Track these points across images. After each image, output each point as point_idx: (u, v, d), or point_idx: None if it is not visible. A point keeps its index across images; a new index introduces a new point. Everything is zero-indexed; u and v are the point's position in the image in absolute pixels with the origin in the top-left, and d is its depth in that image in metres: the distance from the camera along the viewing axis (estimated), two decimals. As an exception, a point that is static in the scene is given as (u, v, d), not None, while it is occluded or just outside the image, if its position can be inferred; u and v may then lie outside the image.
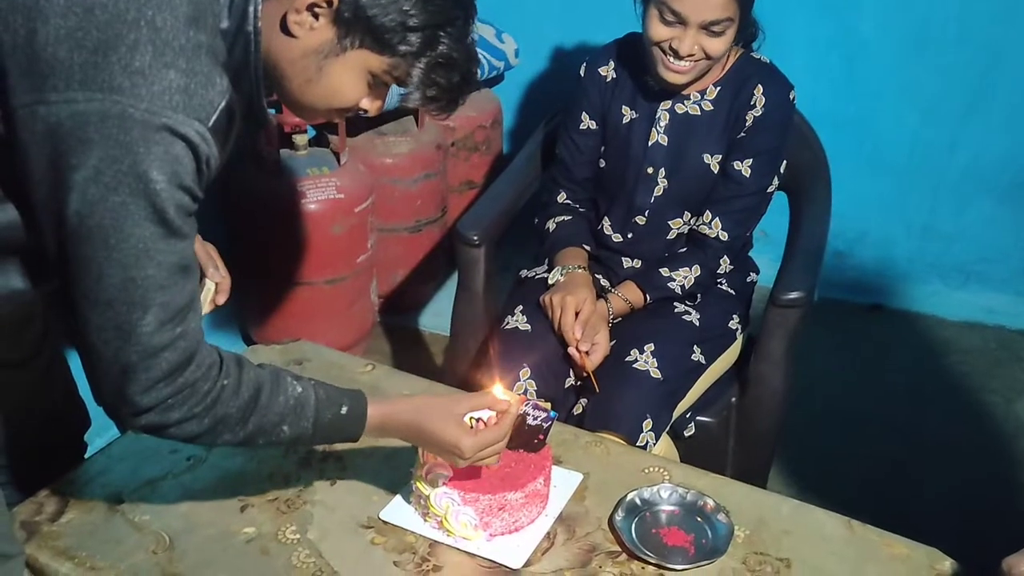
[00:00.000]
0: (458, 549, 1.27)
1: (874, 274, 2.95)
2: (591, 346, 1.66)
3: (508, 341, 1.72)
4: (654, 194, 1.80)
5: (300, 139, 2.42)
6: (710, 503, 1.35)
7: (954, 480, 2.25)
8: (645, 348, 1.67)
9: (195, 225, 1.06)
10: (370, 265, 2.52)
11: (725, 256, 1.79)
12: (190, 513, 1.33)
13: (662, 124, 1.78)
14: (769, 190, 1.78)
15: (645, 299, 1.76)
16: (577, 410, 1.69)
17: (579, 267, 1.78)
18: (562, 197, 1.90)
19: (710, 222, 1.77)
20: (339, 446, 1.44)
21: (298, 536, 1.29)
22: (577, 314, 1.68)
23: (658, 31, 1.64)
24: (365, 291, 2.54)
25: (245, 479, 1.40)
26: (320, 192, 2.34)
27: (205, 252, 1.44)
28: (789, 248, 1.84)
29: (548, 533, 1.31)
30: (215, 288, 1.43)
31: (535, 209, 1.98)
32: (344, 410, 1.19)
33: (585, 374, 1.67)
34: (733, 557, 1.28)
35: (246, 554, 1.26)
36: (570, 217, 1.88)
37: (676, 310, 1.77)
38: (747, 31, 1.71)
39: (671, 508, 1.36)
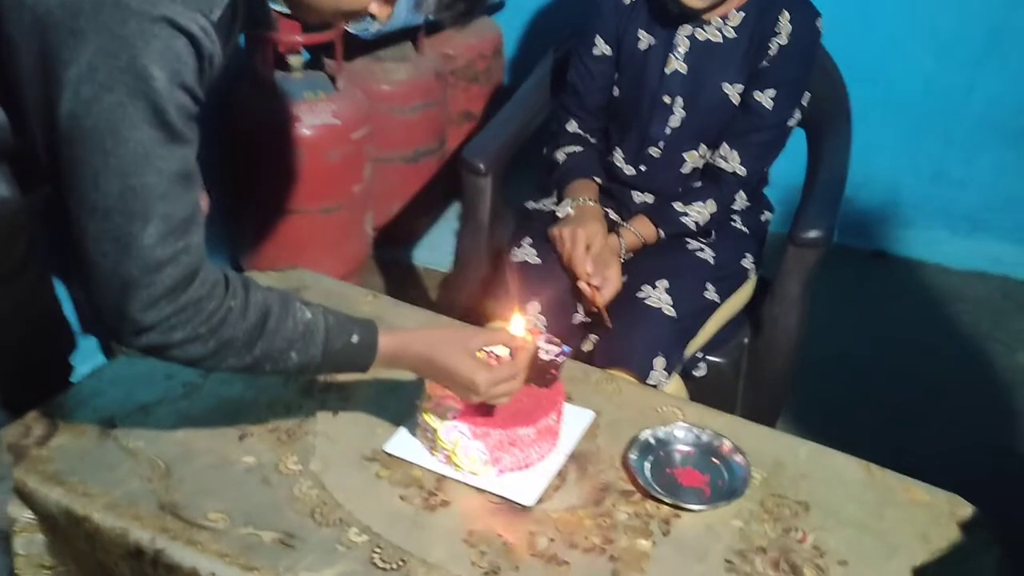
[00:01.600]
0: (466, 485, 1.22)
1: (879, 220, 2.89)
2: (602, 281, 1.60)
3: (517, 274, 1.66)
4: (669, 125, 1.72)
5: (295, 60, 2.32)
6: (727, 444, 1.30)
7: (957, 430, 2.22)
8: (658, 284, 1.62)
9: (197, 131, 0.99)
10: (365, 195, 2.44)
11: (741, 191, 1.72)
12: (187, 440, 1.27)
13: (680, 51, 1.70)
14: (790, 123, 1.71)
15: (658, 234, 1.70)
16: (587, 347, 1.64)
17: (590, 200, 1.71)
18: (573, 126, 1.82)
19: (727, 156, 1.70)
20: (341, 376, 1.38)
21: (300, 467, 1.24)
22: (588, 248, 1.62)
23: None
24: (359, 222, 2.47)
25: (244, 407, 1.34)
26: (316, 117, 2.24)
27: None
28: (808, 186, 1.78)
29: (560, 470, 1.26)
30: None
31: (543, 139, 1.90)
32: (355, 339, 1.13)
33: (595, 310, 1.62)
34: (750, 499, 1.24)
35: (246, 484, 1.21)
36: (581, 148, 1.80)
37: (689, 246, 1.71)
38: None
39: (686, 448, 1.31)
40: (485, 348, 1.25)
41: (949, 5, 2.60)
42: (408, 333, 1.21)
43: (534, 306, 1.61)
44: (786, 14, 1.65)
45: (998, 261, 2.80)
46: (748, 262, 1.77)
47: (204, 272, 1.00)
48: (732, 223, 1.79)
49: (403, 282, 2.68)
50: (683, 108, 1.71)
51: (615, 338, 1.59)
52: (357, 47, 2.51)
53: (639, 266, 1.66)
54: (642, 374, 1.55)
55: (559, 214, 1.71)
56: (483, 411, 1.23)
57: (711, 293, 1.68)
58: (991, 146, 2.71)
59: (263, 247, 2.42)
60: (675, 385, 1.63)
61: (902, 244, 2.88)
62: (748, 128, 1.69)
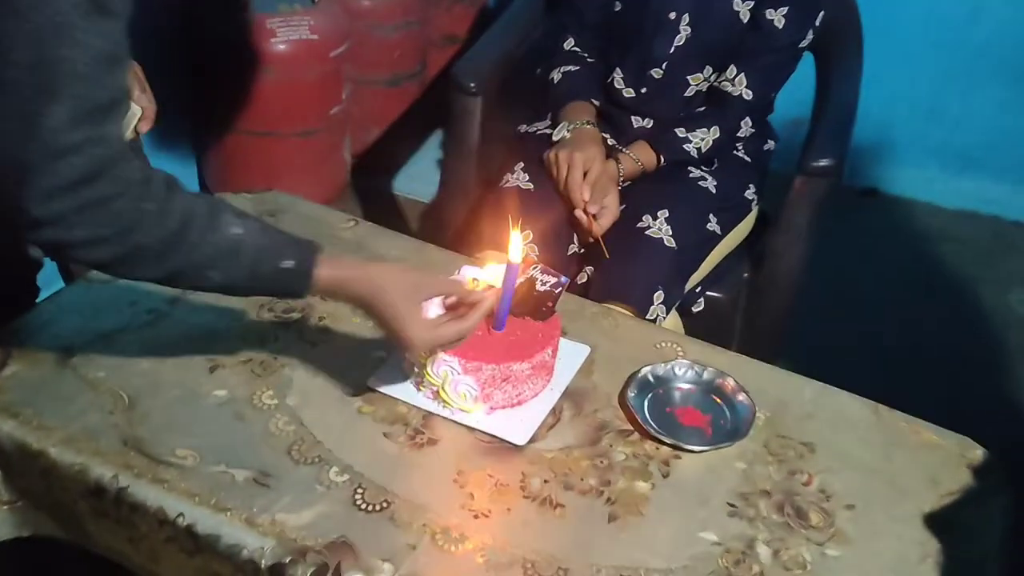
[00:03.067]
0: (455, 422, 1.14)
1: (871, 157, 2.81)
2: (600, 209, 1.51)
3: (508, 201, 1.56)
4: (674, 44, 1.62)
5: (270, -30, 2.17)
6: (730, 382, 1.23)
7: (950, 370, 2.18)
8: (659, 214, 1.53)
9: (128, 5, 0.87)
10: (344, 119, 2.31)
11: (747, 118, 1.63)
12: (152, 371, 1.18)
13: None
14: (802, 45, 1.61)
15: (659, 161, 1.61)
16: (581, 279, 1.56)
17: (587, 122, 1.61)
18: (569, 44, 1.70)
19: (734, 78, 1.60)
20: (320, 306, 1.29)
21: (276, 402, 1.15)
22: (585, 174, 1.53)
23: None
24: (338, 147, 2.35)
25: (214, 337, 1.24)
26: (291, 31, 2.11)
27: (131, 72, 1.24)
28: (817, 113, 1.70)
29: (554, 408, 1.18)
30: (140, 114, 1.23)
31: (536, 60, 1.78)
32: (288, 264, 1.01)
33: (592, 239, 1.53)
34: (754, 440, 1.17)
35: (217, 419, 1.12)
36: (578, 67, 1.69)
37: (691, 175, 1.63)
38: None
39: (687, 386, 1.24)
40: (476, 276, 1.17)
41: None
42: (353, 267, 1.08)
43: (527, 235, 1.52)
44: None
45: (988, 201, 2.75)
46: (751, 193, 1.69)
47: (118, 168, 0.88)
48: (735, 151, 1.70)
49: (383, 211, 2.56)
50: (689, 26, 1.61)
51: (612, 270, 1.51)
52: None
53: (639, 194, 1.57)
54: (641, 308, 1.48)
55: (555, 137, 1.61)
56: (473, 340, 1.15)
57: (713, 224, 1.60)
58: (990, 81, 2.63)
59: (234, 173, 2.29)
60: (672, 321, 1.55)
61: (893, 182, 2.81)
62: (757, 49, 1.59)
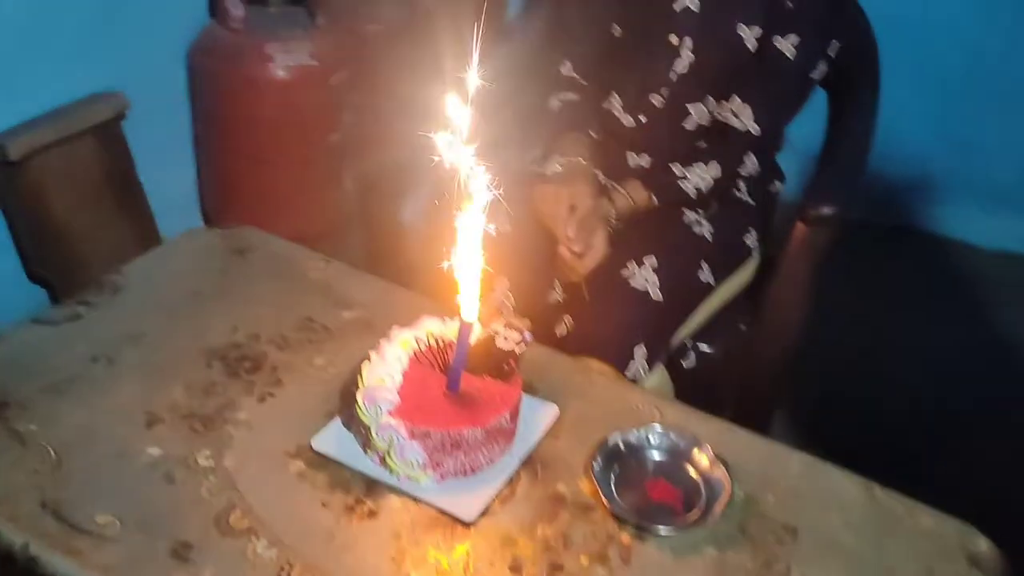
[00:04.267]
0: (400, 492, 1.06)
1: (902, 191, 2.69)
2: (585, 248, 1.40)
3: (486, 244, 1.47)
4: (675, 69, 1.51)
5: (271, -7, 2.13)
6: (708, 454, 1.13)
7: (976, 435, 2.03)
8: (645, 261, 1.43)
9: None
10: (344, 145, 2.25)
11: (752, 154, 1.51)
12: (87, 425, 1.11)
13: None
14: (814, 76, 1.50)
15: (651, 200, 1.50)
16: (560, 330, 1.45)
17: (580, 157, 1.51)
18: (567, 69, 1.61)
19: (738, 110, 1.49)
20: (274, 354, 1.22)
21: (212, 463, 1.08)
22: (572, 209, 1.42)
23: None
24: (336, 174, 2.28)
25: (159, 386, 1.17)
26: (290, 57, 2.05)
27: None
28: (825, 154, 1.57)
29: (511, 477, 1.09)
30: None
31: (532, 83, 1.68)
32: None
33: (575, 279, 1.43)
34: (729, 520, 1.07)
35: (146, 480, 1.05)
36: (576, 96, 1.60)
37: (685, 219, 1.52)
38: None
39: (660, 456, 1.14)
40: (418, 337, 1.10)
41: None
42: None
43: (503, 282, 1.44)
44: None
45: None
46: (751, 239, 1.58)
47: None
48: (736, 192, 1.59)
49: (387, 238, 2.50)
50: (691, 51, 1.50)
51: (592, 322, 1.40)
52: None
53: (625, 239, 1.46)
54: (620, 364, 1.37)
55: (546, 171, 1.52)
56: (422, 403, 1.07)
57: (705, 274, 1.49)
58: (1029, 117, 2.49)
59: (233, 199, 2.25)
60: (658, 378, 1.44)
61: (925, 219, 2.68)
62: (764, 79, 1.48)
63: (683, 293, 1.46)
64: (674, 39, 1.51)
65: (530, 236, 1.48)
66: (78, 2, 1.90)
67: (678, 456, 1.14)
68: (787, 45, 1.46)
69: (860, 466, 1.16)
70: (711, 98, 1.53)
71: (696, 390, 1.45)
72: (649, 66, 1.54)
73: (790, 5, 1.45)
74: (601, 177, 1.56)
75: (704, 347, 1.55)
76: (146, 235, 2.06)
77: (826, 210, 1.46)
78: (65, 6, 1.88)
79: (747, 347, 1.56)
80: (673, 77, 1.53)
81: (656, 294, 1.41)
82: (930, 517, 1.11)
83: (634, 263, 1.43)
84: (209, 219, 2.35)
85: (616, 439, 1.14)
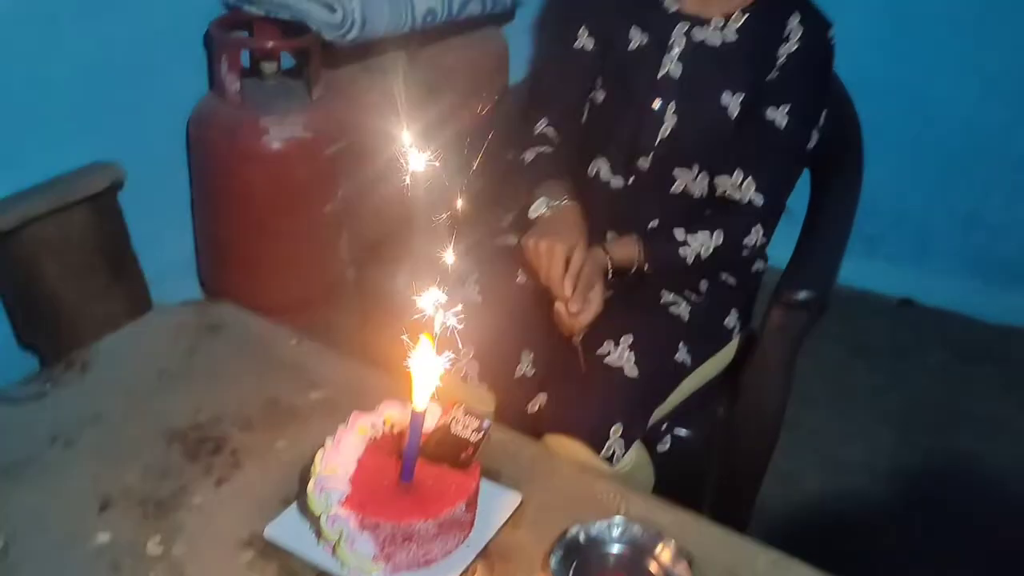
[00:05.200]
0: (350, 585, 1.03)
1: (907, 264, 2.65)
2: (583, 304, 1.36)
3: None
4: (659, 135, 1.51)
5: (268, 66, 2.16)
6: (670, 547, 1.09)
7: (979, 520, 1.97)
8: (621, 340, 1.40)
9: None
10: (339, 216, 2.26)
11: (759, 225, 1.47)
12: (39, 509, 1.10)
13: (676, 51, 1.50)
14: (809, 145, 1.48)
15: (641, 265, 1.46)
16: (533, 407, 1.42)
17: (567, 198, 1.46)
18: (541, 126, 1.60)
19: (740, 183, 1.46)
20: (236, 436, 1.21)
21: (161, 550, 1.06)
22: (567, 263, 1.38)
23: None
24: (332, 243, 2.29)
25: (116, 470, 1.16)
26: (284, 130, 2.07)
27: None
28: (805, 235, 1.55)
29: (466, 570, 1.06)
30: None
31: (510, 146, 1.66)
32: None
33: (570, 336, 1.39)
34: (690, 620, 1.03)
35: (91, 570, 1.03)
36: (552, 148, 1.58)
37: (662, 300, 1.50)
38: None
39: (621, 549, 1.11)
40: (387, 415, 1.08)
41: (997, 41, 2.37)
42: None
43: (466, 352, 1.42)
44: (796, 16, 1.46)
45: (1037, 317, 2.55)
46: (732, 320, 1.56)
47: None
48: (719, 274, 1.57)
49: (383, 308, 2.50)
50: (675, 115, 1.50)
51: (567, 400, 1.38)
52: (346, 54, 2.34)
53: (601, 318, 1.41)
54: (595, 444, 1.34)
55: (532, 215, 1.47)
56: (374, 493, 1.04)
57: (682, 354, 1.46)
58: (1033, 193, 2.46)
59: (230, 266, 2.25)
60: (635, 457, 1.41)
61: (931, 292, 2.63)
62: (763, 150, 1.46)
63: (660, 372, 1.43)
64: (657, 104, 1.51)
65: (500, 305, 1.47)
66: (76, 72, 1.93)
67: (640, 550, 1.10)
68: (780, 114, 1.45)
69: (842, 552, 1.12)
70: (696, 165, 1.51)
71: (673, 476, 1.42)
72: (633, 131, 1.53)
73: (777, 75, 1.45)
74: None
75: (680, 431, 1.51)
76: (138, 305, 2.06)
77: (803, 295, 1.42)
78: (63, 76, 1.91)
79: (725, 431, 1.52)
80: (657, 142, 1.52)
81: (632, 371, 1.38)
82: (902, 620, 1.06)
83: (611, 341, 1.40)
84: (206, 286, 2.36)
85: (577, 531, 1.11)
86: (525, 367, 1.48)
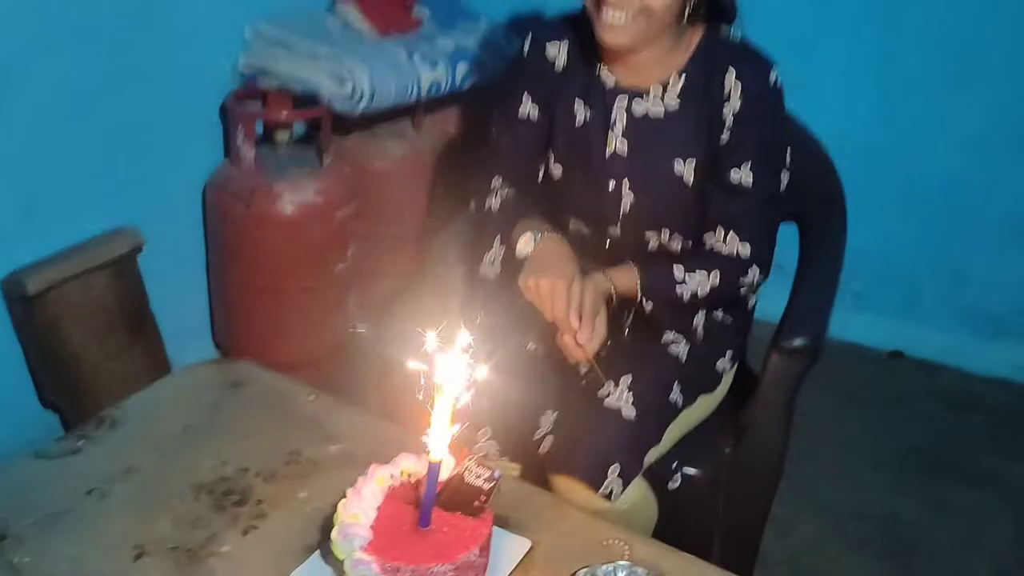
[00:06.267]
0: (372, 626, 1.10)
1: (896, 318, 2.74)
2: (590, 334, 1.40)
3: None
4: (622, 210, 1.56)
5: (282, 135, 2.27)
6: (672, 590, 1.16)
7: (969, 563, 2.03)
8: (621, 380, 1.47)
9: None
10: (349, 274, 2.35)
11: (753, 265, 1.52)
12: (78, 558, 1.17)
13: (619, 127, 1.53)
14: (781, 188, 1.53)
15: (640, 298, 1.50)
16: (543, 449, 1.50)
17: (548, 230, 1.49)
18: (497, 182, 1.62)
19: (724, 238, 1.51)
20: (260, 488, 1.28)
21: (192, 596, 1.13)
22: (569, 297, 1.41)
23: None
24: (342, 300, 2.38)
25: (148, 520, 1.23)
26: (298, 194, 2.18)
27: None
28: (797, 287, 1.65)
29: (480, 612, 1.13)
30: None
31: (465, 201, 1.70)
32: None
33: (587, 362, 1.44)
34: (692, 660, 1.10)
35: (129, 614, 1.10)
36: (513, 193, 1.60)
37: (664, 339, 1.57)
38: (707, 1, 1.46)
39: (626, 592, 1.18)
40: (404, 468, 1.16)
41: (976, 102, 2.48)
42: None
43: (484, 432, 1.51)
44: (732, 72, 1.46)
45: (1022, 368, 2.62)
46: (724, 362, 1.62)
47: None
48: (715, 313, 1.63)
49: (395, 365, 2.57)
50: (631, 192, 1.55)
51: (569, 443, 1.45)
52: (355, 122, 2.45)
53: (604, 359, 1.46)
54: (594, 482, 1.41)
55: (520, 252, 1.50)
56: (394, 540, 1.11)
57: (675, 394, 1.52)
58: (1015, 247, 2.55)
59: (242, 324, 2.34)
60: (634, 495, 1.47)
61: (920, 345, 2.72)
62: (738, 210, 1.50)
63: (655, 412, 1.49)
64: (612, 184, 1.55)
65: (515, 378, 1.46)
66: (99, 142, 2.03)
67: (643, 592, 1.17)
68: (744, 173, 1.48)
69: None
70: (666, 229, 1.55)
71: (683, 514, 1.50)
72: (596, 206, 1.57)
73: (727, 138, 1.48)
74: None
75: (689, 470, 1.57)
76: (156, 364, 2.15)
77: (799, 342, 1.52)
78: (87, 145, 2.01)
79: (732, 470, 1.61)
80: (621, 216, 1.56)
81: (629, 412, 1.45)
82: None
83: (611, 382, 1.47)
84: (220, 345, 2.45)
85: (585, 574, 1.18)
86: (545, 428, 1.53)
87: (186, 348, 2.28)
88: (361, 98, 2.17)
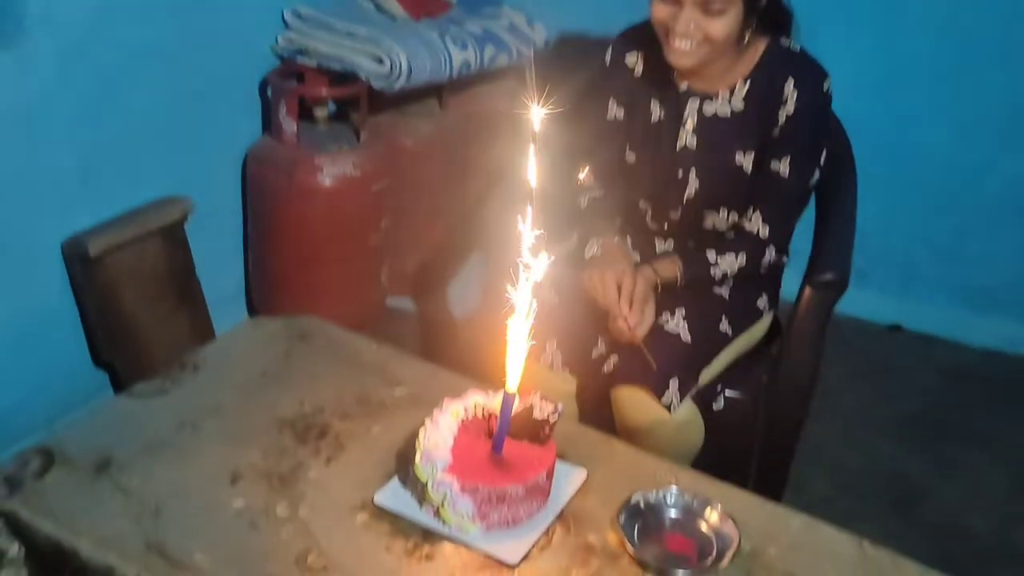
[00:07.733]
0: (452, 540, 1.22)
1: (895, 294, 2.88)
2: (639, 317, 1.63)
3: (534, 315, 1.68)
4: (686, 196, 1.78)
5: (320, 112, 2.38)
6: (717, 512, 1.29)
7: (968, 514, 2.19)
8: (676, 312, 1.69)
9: None
10: (382, 246, 2.47)
11: (771, 246, 1.75)
12: (180, 481, 1.29)
13: (690, 125, 1.74)
14: (811, 183, 1.74)
15: (678, 276, 1.73)
16: (607, 367, 1.70)
17: (615, 239, 1.75)
18: (584, 175, 1.86)
19: (751, 217, 1.74)
20: (337, 423, 1.40)
21: (288, 513, 1.25)
22: (620, 287, 1.65)
23: (658, 10, 1.61)
24: (375, 272, 2.49)
25: (239, 450, 1.35)
26: (337, 167, 2.29)
27: None
28: (819, 233, 1.84)
29: (547, 530, 1.26)
30: None
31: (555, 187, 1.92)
32: None
33: (636, 344, 1.64)
34: (737, 568, 1.22)
35: (234, 528, 1.22)
36: (600, 193, 1.85)
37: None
38: (766, 16, 1.63)
39: (676, 513, 1.30)
40: (478, 403, 1.28)
41: (970, 85, 2.61)
42: None
43: (552, 343, 1.71)
44: (791, 82, 1.66)
45: (1016, 341, 2.77)
46: (763, 302, 1.83)
47: None
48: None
49: (417, 332, 2.69)
50: (697, 179, 1.75)
51: (634, 359, 1.64)
52: (384, 100, 2.56)
53: (660, 297, 1.70)
54: (658, 392, 1.62)
55: (586, 255, 1.75)
56: (472, 463, 1.24)
57: (725, 326, 1.74)
58: (1009, 226, 2.70)
59: (280, 293, 2.45)
60: (688, 414, 1.66)
61: (918, 319, 2.86)
62: (769, 194, 1.72)
63: (707, 339, 1.71)
64: (680, 173, 1.76)
65: (574, 305, 1.73)
66: (152, 113, 2.14)
67: (692, 514, 1.30)
68: (783, 165, 1.70)
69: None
70: (724, 209, 1.77)
71: (725, 435, 1.69)
72: (662, 192, 1.80)
73: (777, 134, 1.69)
74: (635, 256, 1.82)
75: (731, 392, 1.76)
76: (201, 329, 2.26)
77: (828, 276, 1.76)
78: (141, 117, 2.12)
79: (769, 395, 1.79)
80: (685, 201, 1.78)
81: (686, 337, 1.67)
82: (916, 570, 1.26)
83: (668, 313, 1.68)
84: (255, 313, 2.55)
85: (638, 498, 1.31)
86: (601, 349, 1.74)
87: (223, 315, 2.38)
88: (400, 76, 2.28)
